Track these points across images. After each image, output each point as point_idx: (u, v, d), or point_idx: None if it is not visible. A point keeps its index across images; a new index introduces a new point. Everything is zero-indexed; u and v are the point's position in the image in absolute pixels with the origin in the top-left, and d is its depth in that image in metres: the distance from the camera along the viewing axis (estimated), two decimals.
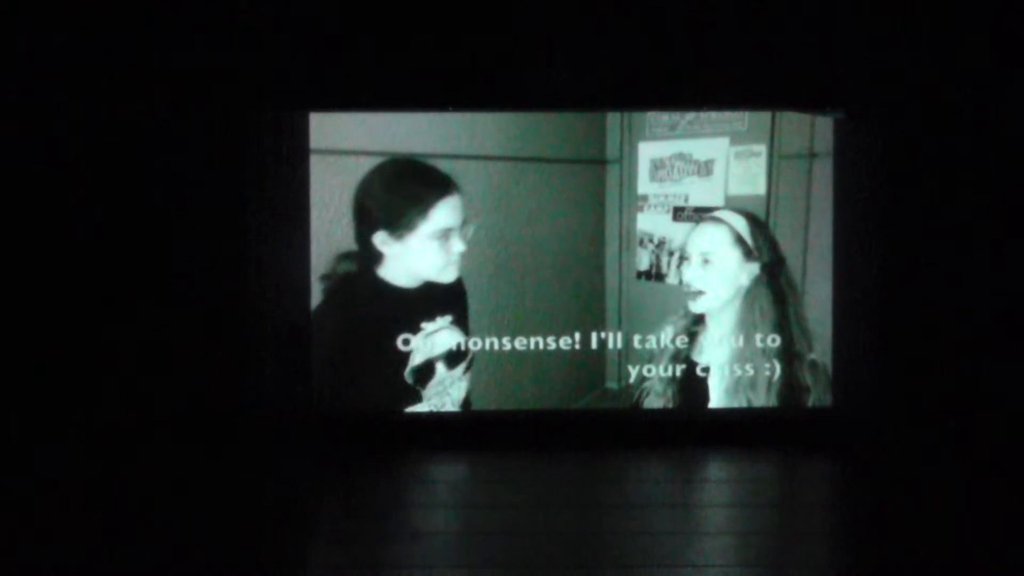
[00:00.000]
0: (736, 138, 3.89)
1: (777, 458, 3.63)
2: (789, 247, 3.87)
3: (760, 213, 3.88)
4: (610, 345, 4.00)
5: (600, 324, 4.00)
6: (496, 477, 3.42)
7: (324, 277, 3.62)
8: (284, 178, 3.64)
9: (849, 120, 3.73)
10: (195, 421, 3.54)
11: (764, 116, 3.85)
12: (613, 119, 4.01)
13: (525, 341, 3.92)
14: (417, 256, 3.10)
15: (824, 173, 3.82)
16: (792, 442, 3.73)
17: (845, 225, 3.78)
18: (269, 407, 3.59)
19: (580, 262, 3.99)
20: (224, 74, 3.50)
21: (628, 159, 4.01)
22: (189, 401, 3.55)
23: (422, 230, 3.11)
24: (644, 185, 3.99)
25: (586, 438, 3.84)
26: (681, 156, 3.95)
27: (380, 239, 3.14)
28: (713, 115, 3.90)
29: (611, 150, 4.03)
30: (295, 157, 3.65)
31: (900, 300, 3.64)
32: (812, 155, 3.81)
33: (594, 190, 4.05)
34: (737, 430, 3.83)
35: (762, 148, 3.87)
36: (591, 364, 4.00)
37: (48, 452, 3.34)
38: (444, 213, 3.19)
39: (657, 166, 3.99)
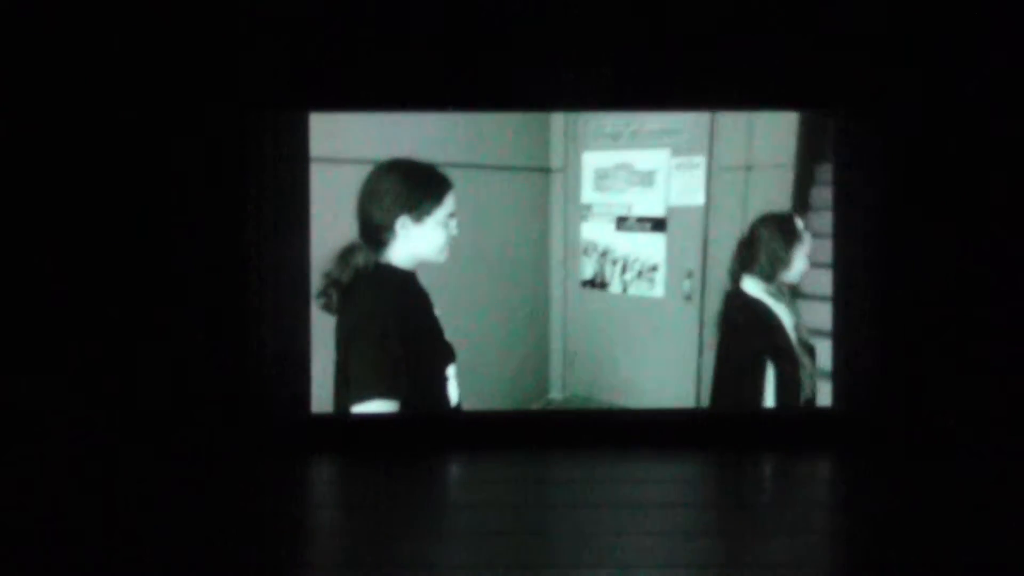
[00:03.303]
0: (677, 150, 3.97)
1: (776, 458, 3.59)
2: (726, 255, 3.92)
3: (700, 223, 3.95)
4: (554, 354, 4.01)
5: (544, 333, 4.01)
6: (496, 477, 3.40)
7: (337, 280, 3.49)
8: (284, 178, 3.65)
9: (849, 120, 3.71)
10: (194, 421, 3.53)
11: (703, 129, 3.93)
12: (556, 128, 4.06)
13: (469, 348, 3.90)
14: (428, 237, 3.37)
15: (760, 185, 3.90)
16: (791, 442, 3.69)
17: (845, 225, 3.75)
18: (269, 407, 3.57)
19: (524, 271, 4.02)
20: (224, 74, 3.51)
21: (572, 168, 4.05)
22: (188, 401, 3.53)
23: (437, 214, 3.38)
24: (588, 194, 4.04)
25: (586, 438, 3.78)
26: (624, 166, 4.01)
27: (402, 222, 3.36)
28: (655, 127, 3.97)
29: (555, 159, 4.08)
30: (295, 157, 3.66)
31: (900, 299, 3.62)
32: (748, 168, 3.90)
33: (538, 198, 4.08)
34: (736, 430, 3.79)
35: (701, 160, 3.95)
36: (535, 374, 4.01)
37: (46, 451, 3.32)
38: (452, 199, 3.47)
39: (601, 176, 4.04)
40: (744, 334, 3.27)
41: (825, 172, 3.80)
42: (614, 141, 4.02)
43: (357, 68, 3.55)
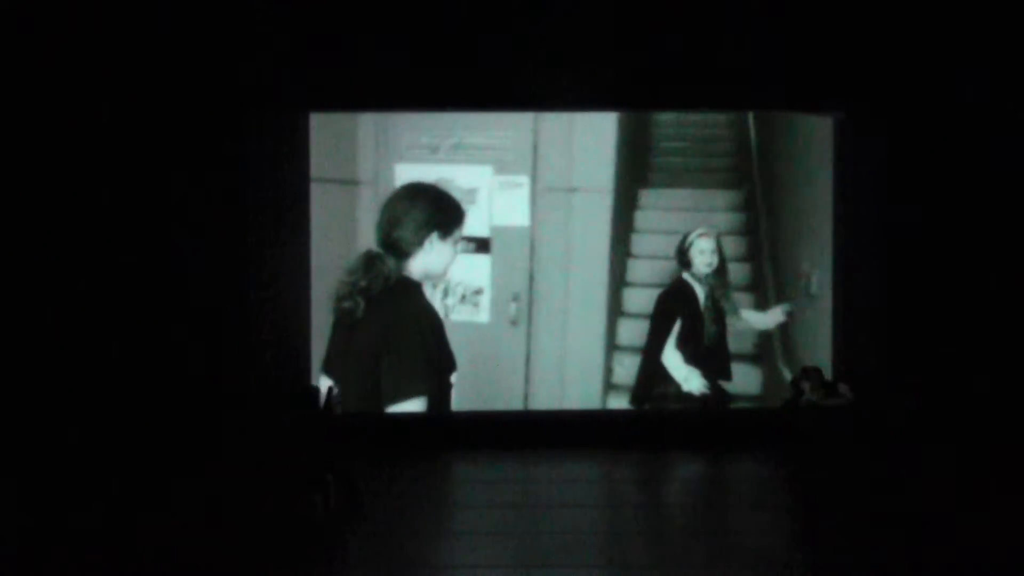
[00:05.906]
0: (500, 168, 3.76)
1: (775, 458, 3.55)
2: (551, 277, 3.76)
3: (526, 244, 3.76)
4: None
5: None
6: (496, 477, 3.33)
7: (365, 289, 3.51)
8: (285, 178, 3.49)
9: (849, 120, 3.76)
10: (194, 420, 3.37)
11: (526, 148, 3.78)
12: (366, 137, 3.65)
13: None
14: (445, 254, 3.61)
15: (583, 208, 3.82)
16: (790, 442, 3.53)
17: (846, 225, 3.79)
18: (268, 405, 3.36)
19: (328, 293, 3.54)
20: (224, 74, 3.39)
21: (383, 181, 3.64)
22: (190, 402, 3.39)
23: (455, 235, 3.61)
24: None
25: (584, 438, 3.68)
26: (443, 182, 3.69)
27: (431, 239, 3.55)
28: (476, 141, 3.74)
29: (363, 171, 3.64)
30: (295, 156, 3.51)
31: (901, 299, 3.69)
32: (572, 189, 3.82)
33: (343, 213, 3.60)
34: (736, 430, 3.76)
35: (524, 180, 3.78)
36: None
37: (53, 448, 3.18)
38: (465, 224, 3.68)
39: None
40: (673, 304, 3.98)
41: (646, 196, 3.86)
42: (432, 153, 3.70)
43: (356, 68, 3.52)
